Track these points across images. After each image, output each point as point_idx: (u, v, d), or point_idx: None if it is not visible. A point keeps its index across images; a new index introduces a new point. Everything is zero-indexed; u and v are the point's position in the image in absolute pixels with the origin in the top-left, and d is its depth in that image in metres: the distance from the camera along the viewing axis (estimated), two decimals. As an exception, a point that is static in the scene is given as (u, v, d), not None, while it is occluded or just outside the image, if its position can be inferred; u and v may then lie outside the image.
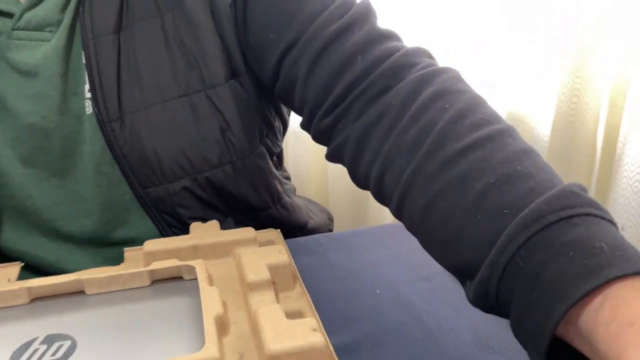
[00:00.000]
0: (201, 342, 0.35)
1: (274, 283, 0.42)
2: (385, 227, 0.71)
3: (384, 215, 1.14)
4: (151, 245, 0.47)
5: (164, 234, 0.55)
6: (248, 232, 0.49)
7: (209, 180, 0.53)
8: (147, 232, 0.54)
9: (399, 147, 0.40)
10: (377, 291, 0.49)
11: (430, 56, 0.46)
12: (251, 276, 0.41)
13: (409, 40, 0.48)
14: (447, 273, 0.41)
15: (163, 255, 0.46)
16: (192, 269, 0.43)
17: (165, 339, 0.37)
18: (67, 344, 0.37)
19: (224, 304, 0.39)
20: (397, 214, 0.41)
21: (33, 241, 0.53)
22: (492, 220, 0.33)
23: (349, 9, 0.47)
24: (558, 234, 0.30)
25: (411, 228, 0.41)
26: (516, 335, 0.32)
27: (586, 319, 0.28)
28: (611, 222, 0.32)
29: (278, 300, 0.41)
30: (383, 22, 0.49)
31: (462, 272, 0.36)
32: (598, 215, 0.31)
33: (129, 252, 0.49)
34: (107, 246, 0.55)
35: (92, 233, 0.54)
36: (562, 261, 0.29)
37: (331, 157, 0.49)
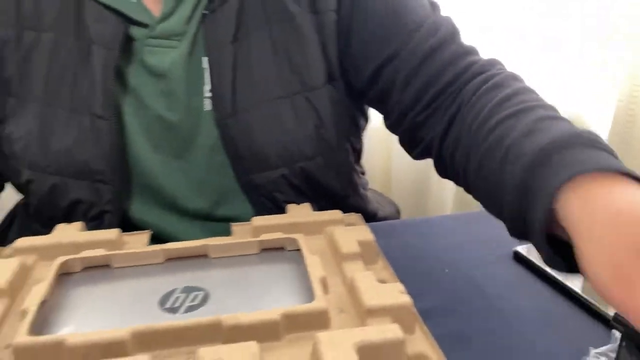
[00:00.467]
0: (307, 298, 0.44)
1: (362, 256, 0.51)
2: (448, 216, 0.79)
3: (444, 208, 1.22)
4: (258, 221, 0.56)
5: (258, 214, 0.64)
6: (336, 214, 0.57)
7: (303, 169, 0.62)
8: (245, 212, 0.64)
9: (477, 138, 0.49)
10: (446, 270, 0.57)
11: (501, 64, 0.55)
12: (344, 248, 0.50)
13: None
14: (506, 257, 0.49)
15: (267, 229, 0.55)
16: (294, 241, 0.52)
17: (279, 294, 0.46)
18: (201, 294, 0.46)
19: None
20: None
21: (156, 214, 0.63)
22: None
23: (439, 27, 0.57)
24: (556, 159, 0.39)
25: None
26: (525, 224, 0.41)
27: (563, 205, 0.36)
28: (605, 150, 0.40)
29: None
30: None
31: (502, 213, 0.45)
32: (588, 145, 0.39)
33: (236, 227, 0.58)
34: (212, 221, 0.65)
35: (202, 210, 0.64)
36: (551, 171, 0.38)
37: (421, 153, 0.58)
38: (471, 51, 0.58)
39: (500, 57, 0.57)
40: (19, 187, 0.62)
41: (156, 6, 0.60)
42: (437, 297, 0.52)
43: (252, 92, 0.60)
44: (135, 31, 0.59)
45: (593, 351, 0.41)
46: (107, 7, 0.58)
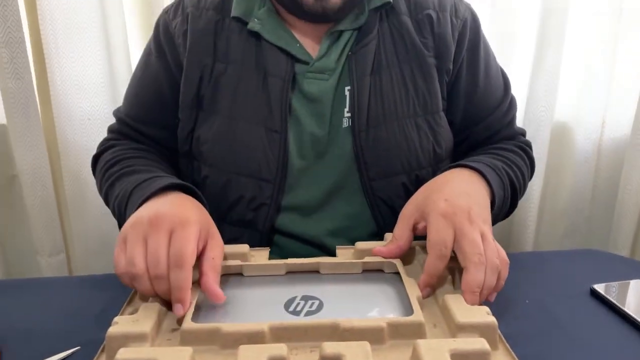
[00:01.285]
0: (406, 312, 0.52)
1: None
2: (530, 253, 0.85)
3: (525, 246, 1.28)
4: (361, 245, 0.65)
5: (374, 214, 0.77)
6: (424, 243, 0.65)
7: (418, 177, 0.76)
8: (362, 211, 0.77)
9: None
10: (527, 301, 0.63)
11: (529, 145, 0.86)
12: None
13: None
14: (584, 294, 0.55)
15: (368, 253, 0.64)
16: (392, 265, 0.61)
17: (382, 307, 0.55)
18: (317, 302, 0.56)
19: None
20: None
21: (294, 213, 0.77)
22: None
23: (508, 112, 0.85)
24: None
25: None
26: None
27: None
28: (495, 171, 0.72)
29: None
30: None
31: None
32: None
33: (340, 250, 0.68)
34: (330, 218, 0.77)
35: (324, 206, 0.77)
36: None
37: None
38: (517, 134, 0.86)
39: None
40: (195, 183, 0.77)
41: (313, 49, 0.76)
42: (518, 324, 0.58)
43: (383, 113, 0.75)
44: (298, 67, 0.75)
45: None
46: (279, 49, 0.75)
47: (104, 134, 1.15)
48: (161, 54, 0.79)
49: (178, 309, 0.52)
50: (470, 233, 0.57)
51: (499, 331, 0.51)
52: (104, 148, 0.82)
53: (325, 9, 0.71)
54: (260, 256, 0.67)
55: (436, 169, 0.78)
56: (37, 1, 1.08)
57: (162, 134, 0.81)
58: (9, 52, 1.06)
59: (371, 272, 0.62)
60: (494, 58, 0.86)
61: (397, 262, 0.61)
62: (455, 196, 0.62)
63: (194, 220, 0.57)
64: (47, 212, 1.18)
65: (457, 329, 0.50)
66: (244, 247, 0.65)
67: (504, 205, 0.74)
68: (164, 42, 0.79)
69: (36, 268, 1.22)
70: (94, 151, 1.17)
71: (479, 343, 0.46)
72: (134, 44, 1.21)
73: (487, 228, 0.60)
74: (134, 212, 0.61)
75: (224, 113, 0.75)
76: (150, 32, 1.15)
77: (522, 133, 0.88)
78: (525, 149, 0.85)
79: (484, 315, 0.51)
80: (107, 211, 1.20)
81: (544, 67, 1.23)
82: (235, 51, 0.76)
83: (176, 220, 0.56)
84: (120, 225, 0.70)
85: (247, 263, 0.62)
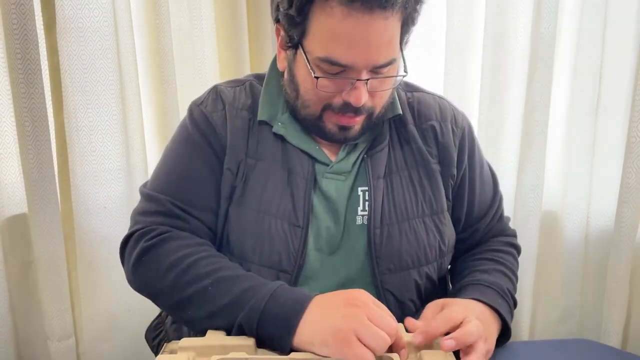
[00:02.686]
0: None
1: None
2: (520, 343, 0.87)
3: (519, 334, 1.30)
4: None
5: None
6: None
7: (425, 272, 0.83)
8: None
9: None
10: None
11: (514, 237, 0.97)
12: None
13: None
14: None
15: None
16: (389, 359, 0.65)
17: None
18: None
19: None
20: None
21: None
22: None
23: (501, 203, 0.95)
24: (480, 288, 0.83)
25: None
26: None
27: None
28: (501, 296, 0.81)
29: None
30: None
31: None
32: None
33: None
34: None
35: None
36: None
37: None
38: (506, 225, 0.97)
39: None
40: None
41: (332, 153, 0.85)
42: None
43: (395, 212, 0.82)
44: (317, 167, 0.83)
45: None
46: (302, 151, 0.82)
47: (119, 223, 1.23)
48: (206, 141, 0.82)
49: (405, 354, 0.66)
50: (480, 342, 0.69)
51: None
52: (162, 238, 0.78)
53: (347, 137, 0.81)
54: (266, 348, 0.70)
55: (441, 263, 0.87)
56: (64, 96, 1.17)
57: (212, 220, 0.83)
58: (34, 146, 1.14)
59: None
60: (484, 159, 0.95)
61: (394, 357, 0.64)
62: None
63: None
64: (60, 299, 1.22)
65: None
66: (249, 340, 0.69)
67: (512, 320, 0.82)
68: (207, 131, 0.83)
69: (46, 352, 1.24)
70: (109, 238, 1.24)
71: None
72: (149, 137, 1.30)
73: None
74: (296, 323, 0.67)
75: (252, 207, 0.81)
76: (165, 123, 1.26)
77: (509, 221, 1.00)
78: (514, 244, 0.96)
79: None
80: (116, 295, 1.26)
81: (529, 160, 1.30)
82: (264, 150, 0.83)
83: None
84: (225, 322, 0.71)
85: (253, 356, 0.65)
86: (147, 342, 1.03)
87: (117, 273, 1.22)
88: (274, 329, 0.67)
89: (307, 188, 0.81)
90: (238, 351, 0.66)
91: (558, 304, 1.39)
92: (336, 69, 0.74)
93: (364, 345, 0.63)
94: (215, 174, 0.82)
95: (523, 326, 1.35)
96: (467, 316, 0.70)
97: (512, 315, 0.81)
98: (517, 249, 0.95)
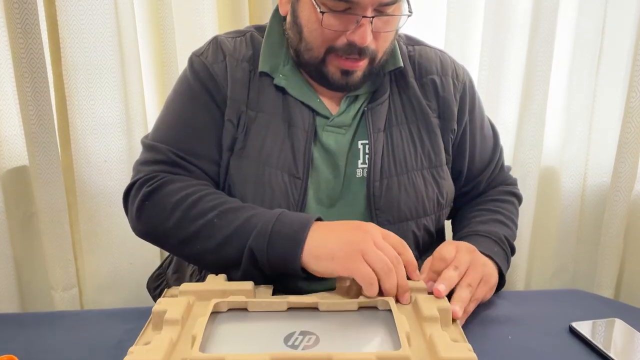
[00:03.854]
0: (395, 346, 0.57)
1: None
2: (515, 292, 0.89)
3: (516, 285, 1.32)
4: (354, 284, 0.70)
5: None
6: (421, 284, 0.71)
7: (423, 224, 0.84)
8: None
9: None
10: (509, 337, 0.68)
11: (515, 185, 0.99)
12: (425, 312, 0.64)
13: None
14: (563, 331, 0.60)
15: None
16: (386, 303, 0.66)
17: (373, 342, 0.60)
18: (314, 337, 0.60)
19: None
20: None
21: None
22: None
23: (501, 156, 0.96)
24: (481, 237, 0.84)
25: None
26: None
27: None
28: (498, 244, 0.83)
29: None
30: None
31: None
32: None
33: (339, 283, 0.73)
34: None
35: None
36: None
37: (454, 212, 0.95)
38: (507, 174, 0.99)
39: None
40: None
41: (333, 106, 0.85)
42: (499, 357, 0.63)
43: (395, 165, 0.83)
44: (318, 120, 0.83)
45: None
46: (303, 103, 0.82)
47: (120, 176, 1.24)
48: (207, 91, 0.82)
49: (406, 298, 0.68)
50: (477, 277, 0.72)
51: None
52: (163, 181, 0.78)
53: (348, 82, 0.80)
54: (265, 292, 0.72)
55: (439, 216, 0.88)
56: (62, 51, 1.17)
57: (213, 170, 0.83)
58: (34, 99, 1.14)
59: (367, 309, 0.67)
60: (485, 113, 0.95)
61: (390, 300, 0.66)
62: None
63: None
64: (63, 249, 1.24)
65: None
66: (248, 284, 0.70)
67: (508, 267, 0.84)
68: (208, 82, 0.82)
69: (49, 302, 1.27)
70: (110, 191, 1.25)
71: None
72: (148, 91, 1.29)
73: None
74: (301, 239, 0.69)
75: (253, 158, 0.81)
76: (164, 76, 1.26)
77: (509, 170, 1.01)
78: (515, 192, 0.96)
79: (465, 351, 0.56)
80: (118, 247, 1.28)
81: (530, 117, 1.30)
82: (265, 102, 0.83)
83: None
84: (234, 251, 0.72)
85: (253, 300, 0.67)
86: (149, 291, 1.05)
87: (119, 225, 1.25)
88: (283, 246, 0.69)
89: (308, 140, 0.81)
90: (237, 295, 0.68)
91: (553, 258, 1.41)
92: (342, 5, 0.73)
93: (369, 264, 0.65)
94: (217, 124, 0.82)
95: (518, 279, 1.37)
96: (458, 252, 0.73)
97: (509, 262, 0.84)
98: (518, 197, 0.97)
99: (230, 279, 0.74)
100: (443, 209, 0.88)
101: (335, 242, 0.68)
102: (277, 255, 0.70)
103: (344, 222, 0.71)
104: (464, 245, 0.75)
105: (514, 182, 0.99)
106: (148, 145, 0.84)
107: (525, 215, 1.32)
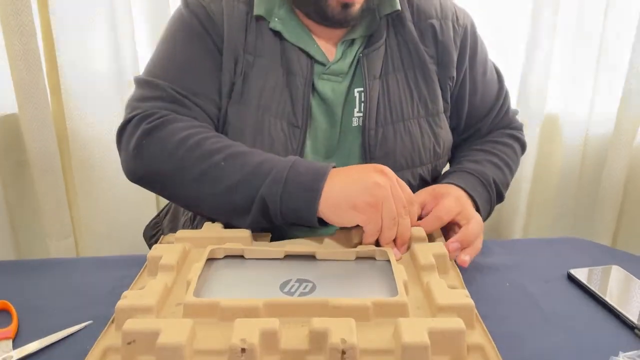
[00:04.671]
0: (392, 294, 0.56)
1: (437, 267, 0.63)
2: (514, 240, 0.89)
3: (513, 234, 1.32)
4: (358, 231, 0.69)
5: None
6: (420, 231, 0.69)
7: (419, 173, 0.83)
8: None
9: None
10: (507, 284, 0.68)
11: (520, 129, 0.95)
12: (423, 261, 0.63)
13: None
14: (561, 277, 0.60)
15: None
16: (384, 252, 0.65)
17: (370, 289, 0.59)
18: (310, 285, 0.60)
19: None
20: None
21: None
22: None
23: (506, 100, 0.93)
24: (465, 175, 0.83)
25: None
26: None
27: None
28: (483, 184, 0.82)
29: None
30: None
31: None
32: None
33: (339, 232, 0.72)
34: None
35: None
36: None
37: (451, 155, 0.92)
38: (512, 118, 0.95)
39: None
40: None
41: (330, 52, 0.82)
42: (497, 305, 0.63)
43: (391, 114, 0.81)
44: (315, 68, 0.80)
45: (622, 354, 0.51)
46: (301, 50, 0.80)
47: (111, 123, 1.21)
48: (204, 30, 0.78)
49: (403, 250, 0.67)
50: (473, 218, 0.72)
51: (476, 312, 0.55)
52: (165, 120, 0.73)
53: (347, 17, 0.77)
54: (262, 239, 0.71)
55: (435, 166, 0.86)
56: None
57: (214, 112, 0.79)
58: (21, 44, 1.10)
59: (364, 259, 0.66)
60: (488, 57, 0.92)
61: (388, 250, 0.65)
62: None
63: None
64: (56, 198, 1.23)
65: (437, 309, 0.54)
66: (245, 232, 0.69)
67: (490, 212, 0.83)
68: (205, 20, 0.79)
69: (45, 251, 1.27)
70: (102, 139, 1.23)
71: (456, 323, 0.50)
72: (139, 35, 1.25)
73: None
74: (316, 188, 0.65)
75: (252, 105, 0.78)
76: (156, 22, 1.21)
77: (516, 114, 0.97)
78: (517, 136, 0.93)
79: (462, 297, 0.55)
80: (114, 197, 1.26)
81: (535, 63, 1.26)
82: (262, 46, 0.80)
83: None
84: (246, 197, 0.68)
85: (248, 247, 0.66)
86: (145, 240, 1.05)
87: (114, 174, 1.23)
88: (299, 196, 0.65)
89: (306, 89, 0.79)
90: (234, 242, 0.67)
91: (552, 206, 1.41)
92: None
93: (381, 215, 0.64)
94: (216, 65, 0.78)
95: (516, 228, 1.38)
96: (460, 212, 0.71)
97: (492, 207, 0.83)
98: (520, 142, 0.94)
99: (232, 227, 0.71)
100: (440, 158, 0.86)
101: (356, 190, 0.64)
102: (293, 206, 0.66)
103: (362, 166, 0.68)
104: (453, 198, 0.74)
105: (519, 127, 0.96)
106: (144, 81, 0.78)
107: (526, 163, 1.31)
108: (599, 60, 1.28)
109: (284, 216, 0.67)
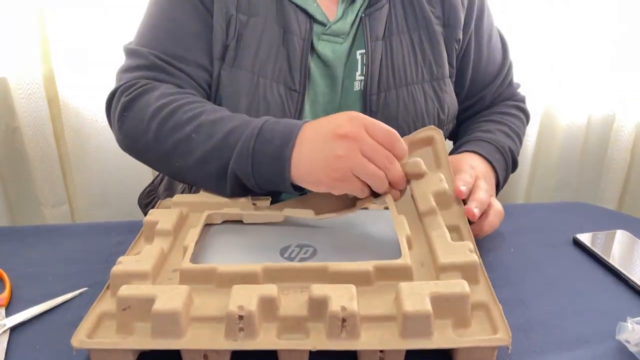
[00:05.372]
0: (396, 253, 0.53)
1: (437, 204, 0.60)
2: (518, 205, 0.87)
3: (516, 199, 1.31)
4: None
5: None
6: (414, 166, 0.62)
7: None
8: None
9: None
10: (512, 249, 0.66)
11: (522, 101, 0.93)
12: (422, 207, 0.60)
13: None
14: (567, 243, 0.58)
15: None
16: (382, 200, 0.61)
17: (373, 250, 0.57)
18: (311, 249, 0.58)
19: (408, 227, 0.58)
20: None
21: None
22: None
23: (510, 70, 0.90)
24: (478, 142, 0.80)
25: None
26: None
27: None
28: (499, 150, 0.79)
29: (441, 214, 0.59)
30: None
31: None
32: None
33: None
34: None
35: None
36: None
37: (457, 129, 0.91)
38: (516, 91, 0.93)
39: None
40: None
41: (330, 12, 0.78)
42: (502, 270, 0.62)
43: (394, 78, 0.78)
44: (315, 28, 0.76)
45: (630, 319, 0.50)
46: (299, 8, 0.76)
47: (102, 90, 1.18)
48: None
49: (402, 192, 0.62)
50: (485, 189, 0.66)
51: (481, 265, 0.53)
52: (142, 90, 0.71)
53: None
54: (262, 204, 0.69)
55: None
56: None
57: (202, 76, 0.76)
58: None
59: (365, 211, 0.65)
60: (494, 24, 0.88)
61: (388, 199, 0.61)
62: None
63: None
64: (49, 165, 1.21)
65: (440, 269, 0.52)
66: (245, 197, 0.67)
67: (506, 180, 0.81)
68: None
69: (41, 218, 1.25)
70: (93, 106, 1.19)
71: (459, 286, 0.48)
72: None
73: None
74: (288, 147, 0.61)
75: (246, 68, 0.75)
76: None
77: (519, 87, 0.94)
78: (522, 108, 0.91)
79: (465, 253, 0.52)
80: (108, 165, 1.24)
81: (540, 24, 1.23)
82: (257, 4, 0.76)
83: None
84: (218, 164, 0.65)
85: (246, 212, 0.64)
86: (140, 208, 1.03)
87: (107, 140, 1.21)
88: (268, 169, 0.62)
89: (304, 49, 0.75)
90: (231, 207, 0.65)
91: (556, 172, 1.39)
92: None
93: (360, 180, 0.59)
94: (206, 27, 0.75)
95: (518, 193, 1.36)
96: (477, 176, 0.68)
97: (507, 174, 0.81)
98: (526, 113, 0.92)
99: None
100: (444, 125, 0.83)
101: (319, 165, 0.59)
102: (265, 177, 0.63)
103: (326, 132, 0.60)
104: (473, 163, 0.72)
105: (522, 99, 0.93)
106: (130, 50, 0.77)
107: (530, 126, 1.28)
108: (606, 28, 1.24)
109: (261, 187, 0.65)
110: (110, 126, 0.77)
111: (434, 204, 0.60)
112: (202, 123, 0.67)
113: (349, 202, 0.64)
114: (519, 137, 0.86)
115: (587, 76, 1.29)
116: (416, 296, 0.47)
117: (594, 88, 1.30)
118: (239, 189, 0.67)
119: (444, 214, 0.61)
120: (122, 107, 0.71)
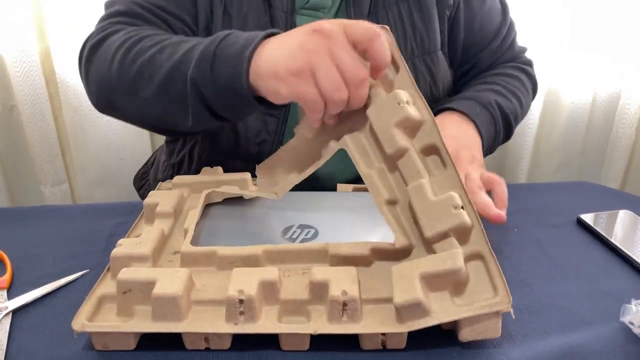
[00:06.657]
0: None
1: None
2: (521, 184, 0.86)
3: (518, 178, 1.30)
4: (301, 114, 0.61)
5: None
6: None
7: None
8: None
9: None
10: (515, 229, 0.66)
11: (528, 63, 0.88)
12: (389, 150, 0.51)
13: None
14: (571, 223, 0.57)
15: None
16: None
17: (374, 233, 0.57)
18: (312, 230, 0.58)
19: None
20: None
21: None
22: None
23: (511, 31, 0.85)
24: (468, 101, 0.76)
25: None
26: None
27: None
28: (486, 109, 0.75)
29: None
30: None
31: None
32: None
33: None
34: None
35: None
36: None
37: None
38: (519, 54, 0.87)
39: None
40: None
41: None
42: (505, 250, 0.61)
43: None
44: (297, 1, 0.73)
45: (634, 301, 0.49)
46: None
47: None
48: None
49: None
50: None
51: (476, 215, 0.48)
52: (108, 32, 0.66)
53: None
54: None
55: (433, 108, 0.77)
56: None
57: (183, 30, 0.71)
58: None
59: (367, 194, 0.62)
60: None
61: (348, 143, 0.56)
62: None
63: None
64: (48, 143, 1.20)
65: (430, 241, 0.48)
66: (245, 175, 0.67)
67: (497, 137, 0.76)
68: None
69: (40, 197, 1.25)
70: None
71: (450, 261, 0.45)
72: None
73: (473, 167, 0.63)
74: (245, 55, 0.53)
75: None
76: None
77: (523, 51, 0.89)
78: (525, 69, 0.86)
79: (450, 213, 0.47)
80: (107, 143, 1.23)
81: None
82: None
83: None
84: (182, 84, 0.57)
85: (245, 191, 0.64)
86: (136, 190, 1.02)
87: (106, 119, 1.19)
88: (227, 69, 0.54)
89: (288, 23, 0.71)
90: (231, 185, 0.65)
91: (558, 152, 1.38)
92: None
93: (316, 84, 0.49)
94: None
95: (521, 172, 1.35)
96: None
97: (497, 130, 0.75)
98: (529, 75, 0.86)
99: (183, 133, 0.70)
100: (438, 100, 0.79)
101: (282, 56, 0.51)
102: (223, 80, 0.54)
103: (304, 27, 0.51)
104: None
105: (526, 62, 0.87)
106: (109, 2, 0.72)
107: (533, 105, 1.26)
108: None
109: (218, 95, 0.56)
110: (83, 82, 0.70)
111: (402, 142, 0.51)
112: (166, 45, 0.60)
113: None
114: (516, 96, 0.80)
115: (592, 54, 1.27)
116: (405, 281, 0.45)
117: (599, 66, 1.28)
118: (201, 107, 0.57)
119: (418, 136, 0.52)
120: (87, 54, 0.66)
